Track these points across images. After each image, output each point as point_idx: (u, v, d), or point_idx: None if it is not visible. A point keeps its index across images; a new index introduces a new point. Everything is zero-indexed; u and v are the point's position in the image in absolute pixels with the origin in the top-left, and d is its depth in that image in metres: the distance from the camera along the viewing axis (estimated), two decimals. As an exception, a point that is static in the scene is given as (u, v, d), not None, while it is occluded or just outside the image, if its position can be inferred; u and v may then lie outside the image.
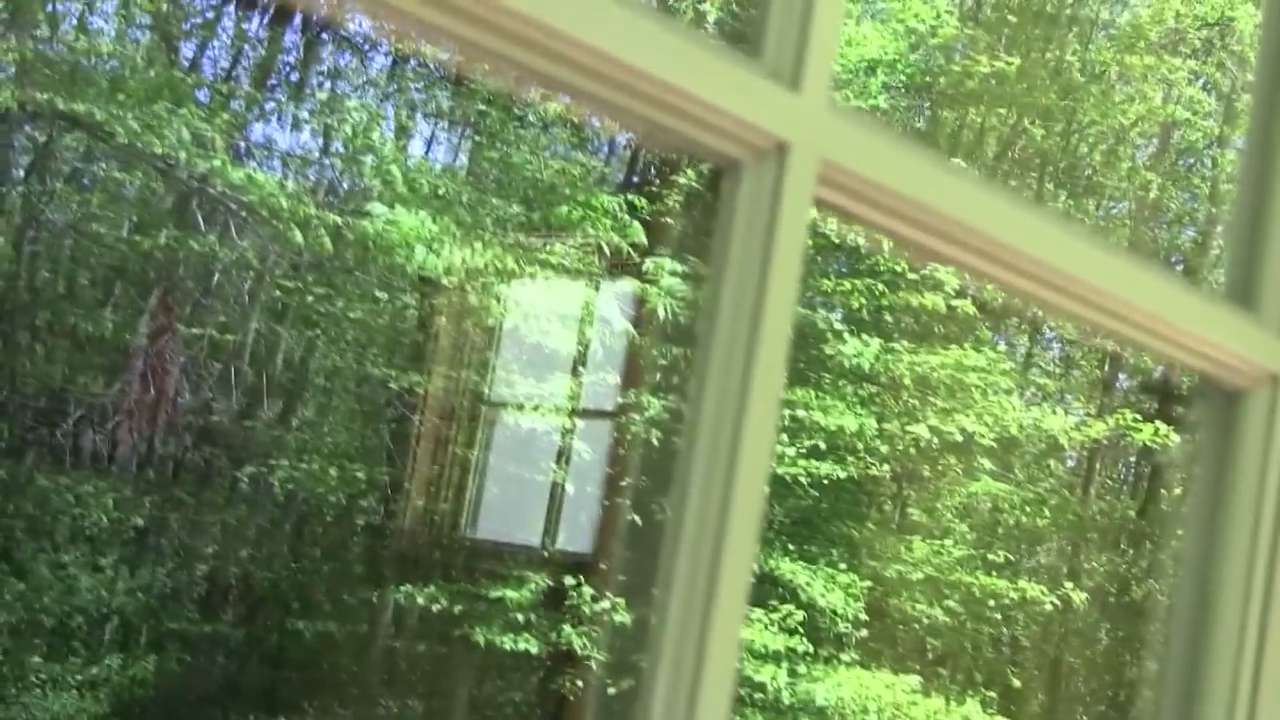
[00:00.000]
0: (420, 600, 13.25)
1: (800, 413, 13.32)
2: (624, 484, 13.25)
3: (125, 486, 15.16)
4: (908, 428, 13.86)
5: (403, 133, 15.70)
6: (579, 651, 12.70)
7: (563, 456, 13.60)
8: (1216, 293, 2.02)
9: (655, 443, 12.90)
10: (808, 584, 13.19)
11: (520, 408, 14.31)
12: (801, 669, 12.93)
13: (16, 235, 15.06)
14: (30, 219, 15.22)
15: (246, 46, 16.30)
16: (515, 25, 1.25)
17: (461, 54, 1.26)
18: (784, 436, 13.16)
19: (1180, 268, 17.80)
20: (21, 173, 15.18)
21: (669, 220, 13.36)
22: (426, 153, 16.55)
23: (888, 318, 14.23)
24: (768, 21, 1.45)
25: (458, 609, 13.07)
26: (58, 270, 15.74)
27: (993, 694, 14.91)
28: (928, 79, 15.74)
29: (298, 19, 15.88)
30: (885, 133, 1.52)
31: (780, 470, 13.08)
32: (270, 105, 15.81)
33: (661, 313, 12.63)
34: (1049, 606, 14.83)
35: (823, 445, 13.46)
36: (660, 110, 1.37)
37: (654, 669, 1.38)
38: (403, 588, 13.54)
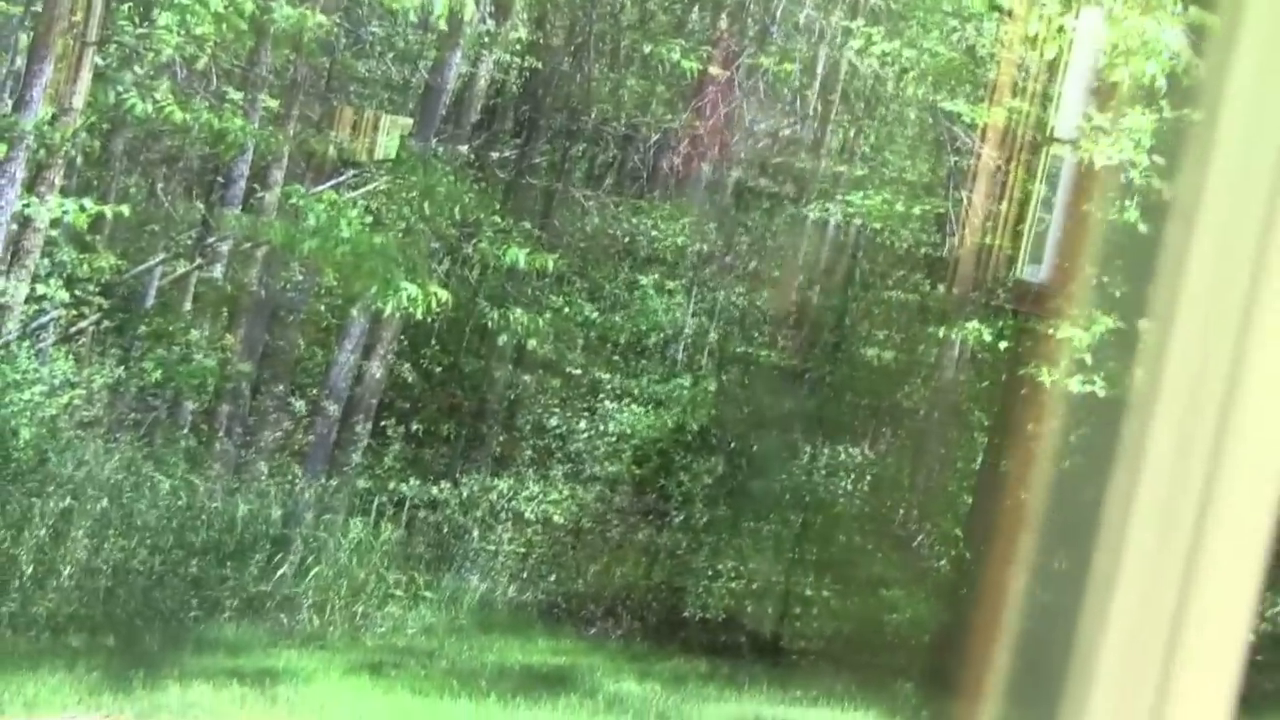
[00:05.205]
0: (986, 336, 13.12)
1: None
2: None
3: (694, 211, 15.56)
4: None
5: None
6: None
7: (1134, 193, 13.02)
8: None
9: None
10: None
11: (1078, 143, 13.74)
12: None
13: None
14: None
15: None
16: None
17: None
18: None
19: None
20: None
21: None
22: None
23: None
24: None
25: (1022, 347, 12.89)
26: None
27: None
28: None
29: None
30: None
31: None
32: None
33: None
34: None
35: None
36: None
37: None
38: (968, 324, 13.43)
